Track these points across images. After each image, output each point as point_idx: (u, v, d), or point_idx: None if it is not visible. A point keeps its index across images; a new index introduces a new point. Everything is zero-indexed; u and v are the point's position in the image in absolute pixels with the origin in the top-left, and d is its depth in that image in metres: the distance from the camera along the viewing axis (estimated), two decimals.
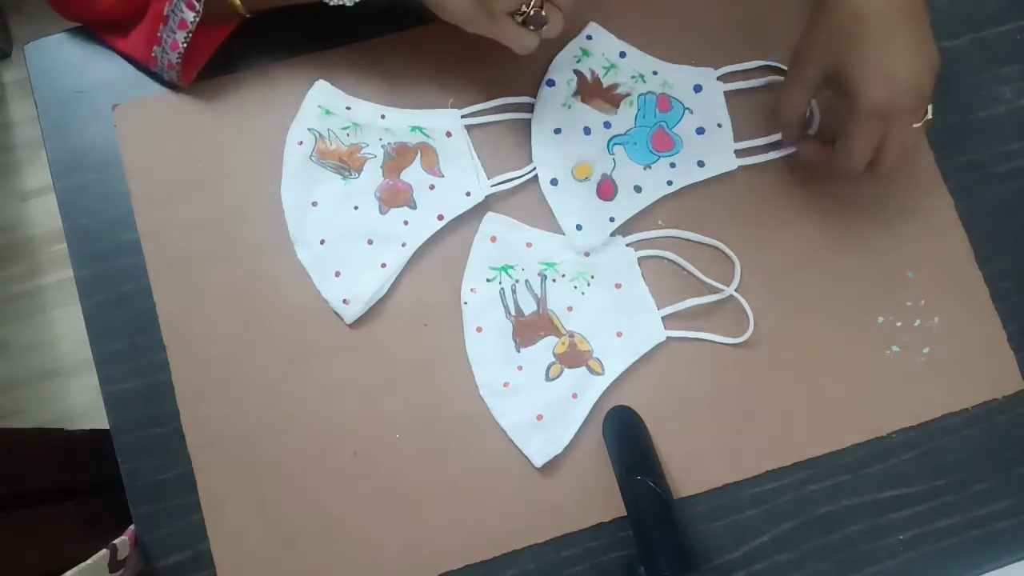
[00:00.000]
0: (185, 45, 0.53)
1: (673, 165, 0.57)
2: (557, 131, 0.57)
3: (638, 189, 0.57)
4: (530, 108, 0.58)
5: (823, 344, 0.56)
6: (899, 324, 0.57)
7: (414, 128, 0.57)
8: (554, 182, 0.57)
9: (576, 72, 0.58)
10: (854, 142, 0.50)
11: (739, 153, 0.58)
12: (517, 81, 0.58)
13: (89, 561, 0.50)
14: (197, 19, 0.52)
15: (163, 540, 0.53)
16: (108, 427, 0.54)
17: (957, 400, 0.56)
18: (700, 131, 0.58)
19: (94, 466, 0.88)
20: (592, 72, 0.58)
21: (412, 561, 0.53)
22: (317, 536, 0.53)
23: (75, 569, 0.49)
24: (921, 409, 0.56)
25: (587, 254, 0.56)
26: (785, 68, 0.59)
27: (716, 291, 0.56)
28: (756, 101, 0.59)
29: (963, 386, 0.56)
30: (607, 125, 0.58)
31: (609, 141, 0.58)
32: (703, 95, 0.58)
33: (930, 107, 0.50)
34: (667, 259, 0.56)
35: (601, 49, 0.59)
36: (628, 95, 0.58)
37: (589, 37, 0.59)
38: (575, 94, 0.58)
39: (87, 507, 0.81)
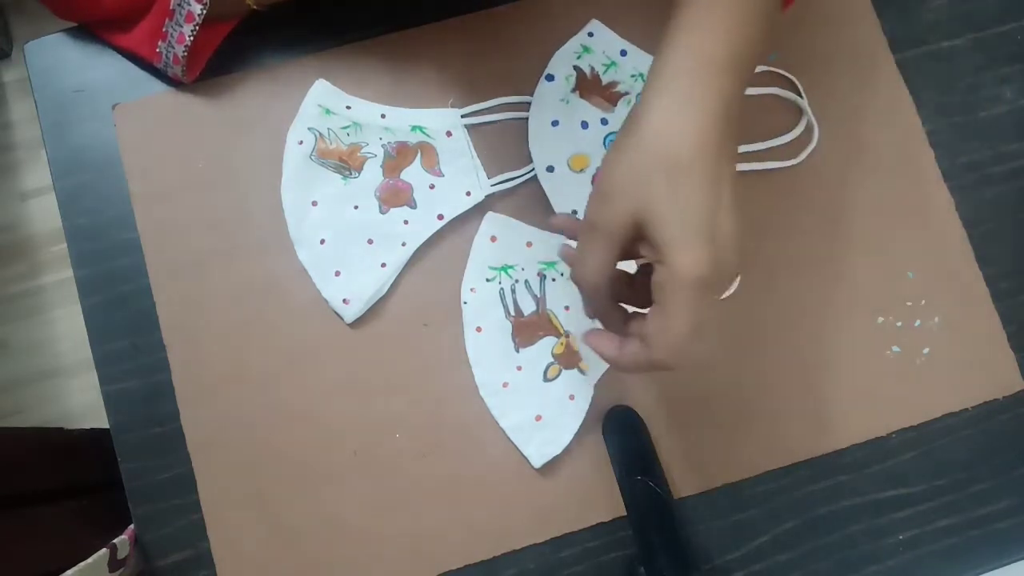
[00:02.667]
0: (192, 38, 0.53)
1: None
2: (555, 123, 0.57)
3: None
4: (530, 107, 0.58)
5: (823, 344, 0.56)
6: (899, 324, 0.56)
7: (414, 127, 0.57)
8: (550, 169, 0.56)
9: (576, 68, 0.58)
10: (673, 322, 0.36)
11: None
12: (517, 80, 0.58)
13: (89, 560, 0.50)
14: (204, 11, 0.52)
15: (163, 540, 0.53)
16: (108, 427, 0.54)
17: (957, 400, 0.56)
18: None
19: (94, 466, 0.88)
20: (592, 69, 0.58)
21: (412, 561, 0.53)
22: (317, 535, 0.53)
23: (75, 569, 0.49)
24: (921, 409, 0.56)
25: None
26: (783, 73, 0.59)
27: None
28: (754, 104, 0.59)
29: (963, 386, 0.56)
30: (604, 122, 0.58)
31: (606, 138, 0.57)
32: None
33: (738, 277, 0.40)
34: None
35: (602, 46, 0.59)
36: (627, 94, 0.58)
37: (591, 34, 0.59)
38: (574, 90, 0.58)
39: (87, 507, 0.81)
